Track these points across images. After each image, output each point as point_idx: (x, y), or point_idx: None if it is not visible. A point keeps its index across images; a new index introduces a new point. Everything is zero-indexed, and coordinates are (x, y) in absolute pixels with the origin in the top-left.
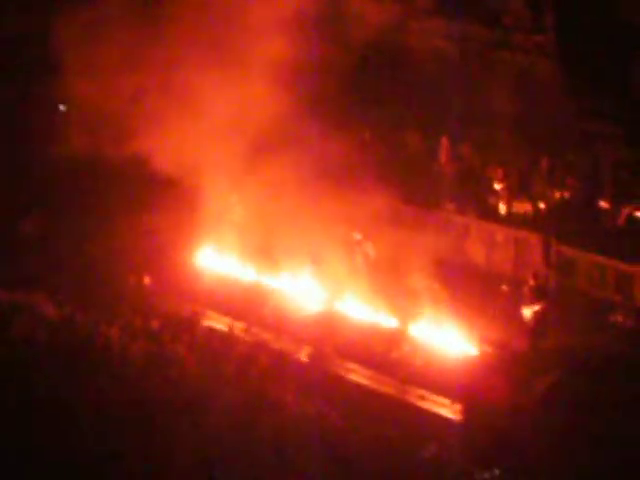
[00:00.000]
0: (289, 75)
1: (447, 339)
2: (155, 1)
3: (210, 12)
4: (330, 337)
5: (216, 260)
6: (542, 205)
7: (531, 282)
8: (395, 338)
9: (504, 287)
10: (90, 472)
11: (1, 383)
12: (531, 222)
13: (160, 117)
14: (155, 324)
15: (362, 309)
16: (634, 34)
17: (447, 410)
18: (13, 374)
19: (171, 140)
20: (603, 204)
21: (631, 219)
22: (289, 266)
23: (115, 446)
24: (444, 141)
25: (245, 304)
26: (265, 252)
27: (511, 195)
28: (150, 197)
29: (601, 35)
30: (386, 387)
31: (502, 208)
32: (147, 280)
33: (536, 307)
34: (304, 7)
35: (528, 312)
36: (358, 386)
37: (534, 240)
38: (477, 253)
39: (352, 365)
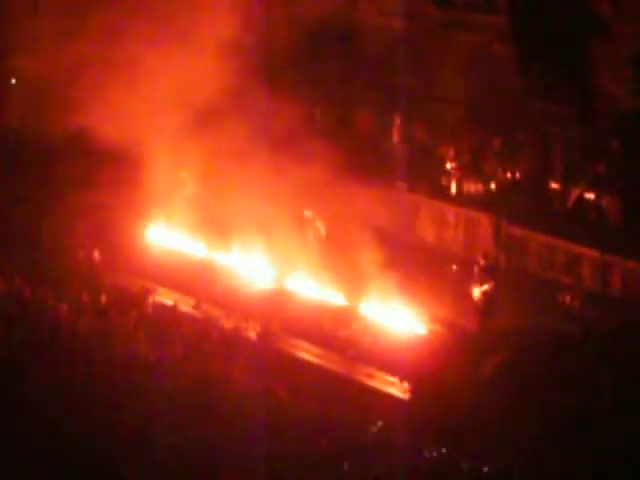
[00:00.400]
0: (236, 50)
1: (396, 318)
2: None
3: None
4: (279, 314)
5: (166, 236)
6: (493, 185)
7: (481, 262)
8: (344, 316)
9: (454, 266)
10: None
11: None
12: (482, 202)
13: (104, 89)
14: (104, 299)
15: (312, 287)
16: (586, 15)
17: (395, 388)
18: None
19: (117, 113)
20: (554, 185)
21: (581, 200)
22: (239, 242)
23: (58, 424)
24: (396, 120)
25: (195, 280)
26: (215, 228)
27: (462, 175)
28: (100, 172)
29: (554, 16)
30: (334, 365)
31: (453, 187)
32: (97, 255)
33: (485, 287)
34: None
35: (477, 292)
36: (307, 363)
37: (484, 220)
38: (428, 232)
39: (301, 342)
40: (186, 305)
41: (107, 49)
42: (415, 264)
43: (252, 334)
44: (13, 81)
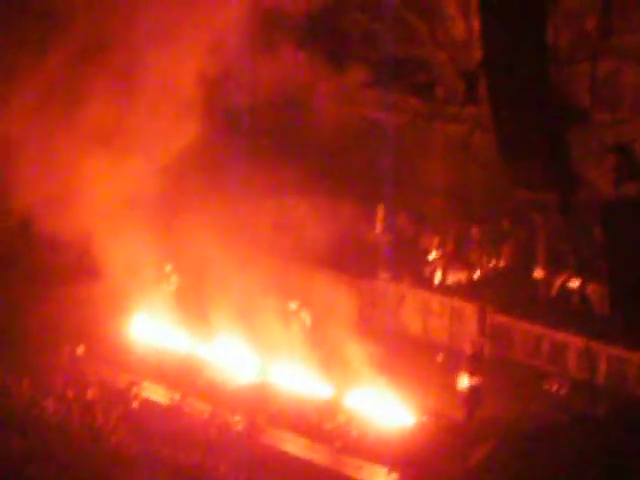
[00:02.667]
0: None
1: (383, 408)
2: None
3: None
4: (264, 407)
5: (151, 329)
6: (477, 273)
7: (467, 351)
8: (330, 408)
9: (440, 356)
10: None
11: None
12: (466, 291)
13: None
14: (89, 395)
15: (297, 379)
16: (566, 104)
17: (384, 479)
18: None
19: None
20: (537, 273)
21: (565, 289)
22: (224, 335)
23: None
24: (379, 210)
25: (180, 374)
26: (199, 321)
27: (446, 264)
28: (83, 265)
29: (533, 105)
30: (322, 457)
31: (437, 277)
32: (81, 350)
33: (472, 376)
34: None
35: (464, 381)
36: (293, 456)
37: (469, 309)
38: (413, 322)
39: (287, 435)
40: (171, 399)
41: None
42: (401, 354)
43: (238, 427)
44: None
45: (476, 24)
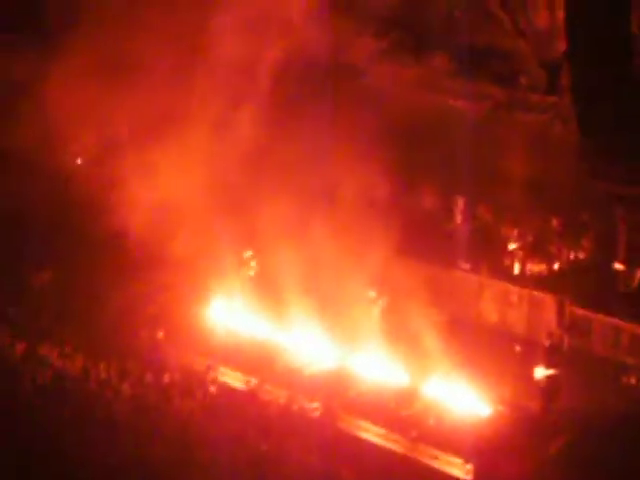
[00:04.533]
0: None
1: (460, 398)
2: None
3: None
4: (341, 394)
5: (229, 315)
6: (556, 265)
7: (545, 343)
8: (407, 396)
9: (517, 347)
10: None
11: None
12: (545, 282)
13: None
14: (166, 379)
15: (374, 366)
16: None
17: (458, 470)
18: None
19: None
20: (618, 266)
21: None
22: (301, 321)
23: None
24: (459, 201)
25: (258, 359)
26: (278, 307)
27: (526, 255)
28: (163, 251)
29: (616, 98)
30: (397, 445)
31: (517, 268)
32: (160, 334)
33: (549, 368)
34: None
35: (541, 373)
36: (369, 444)
37: (548, 300)
38: (491, 313)
39: (363, 422)
40: (249, 384)
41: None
42: (478, 344)
43: (314, 413)
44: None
45: (560, 15)
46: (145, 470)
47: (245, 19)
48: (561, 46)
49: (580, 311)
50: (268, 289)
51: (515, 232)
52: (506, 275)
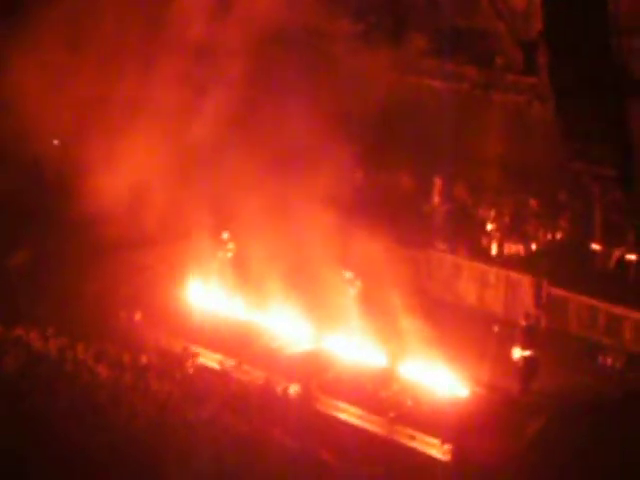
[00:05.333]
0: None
1: (437, 379)
2: None
3: None
4: (319, 375)
5: (207, 296)
6: (534, 246)
7: (522, 323)
8: (385, 377)
9: (495, 328)
10: None
11: None
12: (523, 263)
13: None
14: (144, 360)
15: (352, 347)
16: (628, 77)
17: (436, 451)
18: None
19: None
20: (595, 246)
21: (622, 262)
22: (279, 303)
23: None
24: (437, 181)
25: (236, 340)
26: (255, 288)
27: (503, 236)
28: (141, 232)
29: (592, 77)
30: (375, 426)
31: (494, 249)
32: (138, 315)
33: (526, 348)
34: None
35: (519, 353)
36: (347, 425)
37: (525, 281)
38: (468, 293)
39: (341, 404)
40: (226, 366)
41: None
42: (456, 325)
43: (292, 395)
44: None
45: None
46: (123, 452)
47: None
48: (537, 26)
49: (557, 291)
50: (246, 271)
51: (492, 213)
52: (483, 256)
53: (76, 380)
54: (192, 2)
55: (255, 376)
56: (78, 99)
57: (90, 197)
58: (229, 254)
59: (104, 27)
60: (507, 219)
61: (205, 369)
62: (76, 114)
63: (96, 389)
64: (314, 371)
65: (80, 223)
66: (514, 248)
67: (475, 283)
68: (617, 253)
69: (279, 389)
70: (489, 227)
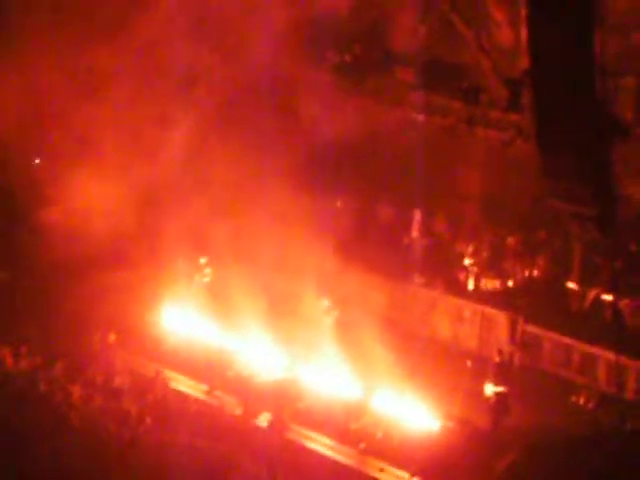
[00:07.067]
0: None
1: (409, 412)
2: None
3: None
4: (291, 403)
5: (182, 320)
6: (511, 283)
7: (496, 359)
8: (357, 409)
9: (468, 363)
10: None
11: None
12: (499, 299)
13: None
14: (117, 382)
15: (325, 377)
16: (608, 118)
17: None
18: None
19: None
20: (571, 285)
21: (598, 302)
22: (254, 330)
23: None
24: (416, 214)
25: (209, 366)
26: (231, 314)
27: (480, 271)
28: (118, 253)
29: (577, 117)
30: (345, 457)
31: (471, 284)
32: (112, 337)
33: (499, 385)
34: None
35: (491, 389)
36: (317, 455)
37: (501, 317)
38: (443, 327)
39: (312, 433)
40: (199, 391)
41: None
42: (430, 359)
43: (263, 423)
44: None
45: (524, 32)
46: (93, 473)
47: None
48: (523, 63)
49: (532, 329)
50: (222, 296)
51: (470, 248)
52: (460, 291)
53: (49, 400)
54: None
55: (227, 402)
56: (52, 114)
57: (65, 217)
58: (206, 279)
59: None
60: (485, 255)
61: (177, 393)
62: (54, 132)
63: (69, 409)
64: (286, 400)
65: (57, 241)
66: (491, 284)
67: (450, 318)
68: (593, 292)
69: (250, 416)
70: (467, 262)
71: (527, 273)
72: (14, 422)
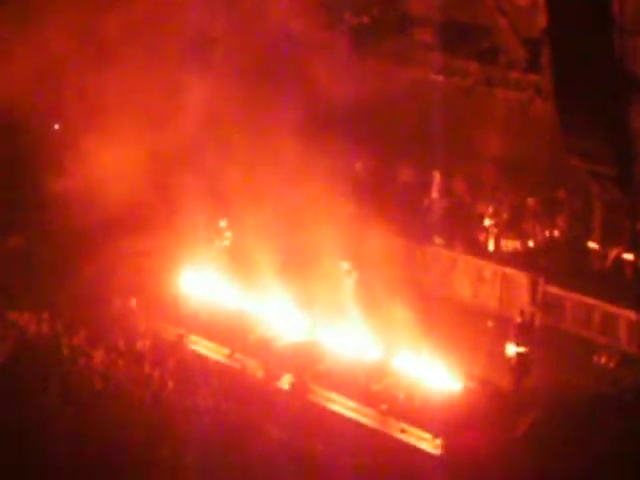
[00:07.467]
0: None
1: (430, 373)
2: None
3: None
4: (312, 366)
5: (203, 284)
6: (531, 243)
7: (517, 320)
8: (378, 370)
9: (489, 323)
10: None
11: None
12: (519, 260)
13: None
14: (139, 346)
15: (346, 339)
16: (629, 77)
17: (427, 444)
18: None
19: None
20: (592, 245)
21: (619, 261)
22: (275, 293)
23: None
24: (436, 175)
25: (230, 329)
26: (252, 278)
27: (500, 232)
28: (137, 219)
29: (596, 76)
30: (367, 419)
31: (491, 244)
32: (133, 302)
33: (520, 345)
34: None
35: (512, 350)
36: (339, 416)
37: (521, 278)
38: (464, 288)
39: (333, 395)
40: (220, 354)
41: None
42: (450, 320)
43: (285, 385)
44: (56, 126)
45: None
46: (116, 439)
47: None
48: (541, 22)
49: (553, 289)
50: (242, 260)
51: (490, 209)
52: (480, 251)
53: (72, 365)
54: None
55: (248, 365)
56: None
57: (85, 181)
58: (226, 242)
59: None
60: (505, 216)
61: (199, 357)
62: (72, 99)
63: (91, 374)
64: (308, 362)
65: (75, 207)
66: (511, 245)
67: (471, 278)
68: (614, 252)
69: (272, 379)
70: (487, 223)
71: (547, 233)
72: (37, 388)
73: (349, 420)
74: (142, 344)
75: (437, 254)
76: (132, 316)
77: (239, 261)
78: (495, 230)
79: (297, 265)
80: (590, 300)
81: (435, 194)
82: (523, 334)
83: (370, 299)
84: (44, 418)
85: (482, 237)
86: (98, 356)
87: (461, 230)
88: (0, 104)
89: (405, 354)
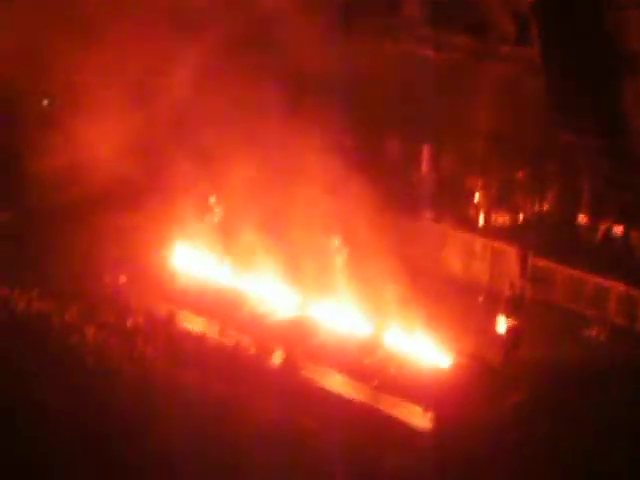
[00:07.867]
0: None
1: (421, 348)
2: None
3: None
4: (303, 341)
5: (193, 260)
6: (521, 217)
7: (507, 293)
8: (369, 345)
9: (480, 298)
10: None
11: None
12: (509, 234)
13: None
14: (129, 323)
15: (337, 315)
16: (617, 50)
17: (419, 418)
18: None
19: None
20: (581, 218)
21: (608, 234)
22: (266, 269)
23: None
24: (426, 149)
25: (221, 305)
26: (242, 254)
27: (490, 206)
28: (126, 195)
29: (585, 50)
30: (358, 393)
31: (481, 219)
32: (123, 278)
33: (510, 319)
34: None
35: (502, 323)
36: (330, 392)
37: (511, 252)
38: (454, 263)
39: (325, 370)
40: (211, 331)
41: None
42: (441, 294)
43: (276, 361)
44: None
45: None
46: (108, 415)
47: None
48: None
49: (543, 262)
50: (233, 235)
51: (480, 183)
52: (470, 226)
53: (65, 341)
54: None
55: (240, 341)
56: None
57: (73, 157)
58: (216, 218)
59: None
60: (494, 190)
61: (190, 333)
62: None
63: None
64: (299, 337)
65: (64, 183)
66: (501, 219)
67: (461, 253)
68: (604, 225)
69: (264, 355)
70: (476, 197)
71: (537, 207)
72: (30, 365)
73: (341, 395)
74: (133, 320)
75: (427, 229)
76: (123, 292)
77: (230, 237)
78: (484, 205)
79: (287, 241)
80: (580, 273)
81: (425, 169)
82: (513, 308)
83: (361, 274)
84: (36, 396)
85: (472, 211)
86: (90, 333)
87: (451, 205)
88: None
89: (396, 329)
